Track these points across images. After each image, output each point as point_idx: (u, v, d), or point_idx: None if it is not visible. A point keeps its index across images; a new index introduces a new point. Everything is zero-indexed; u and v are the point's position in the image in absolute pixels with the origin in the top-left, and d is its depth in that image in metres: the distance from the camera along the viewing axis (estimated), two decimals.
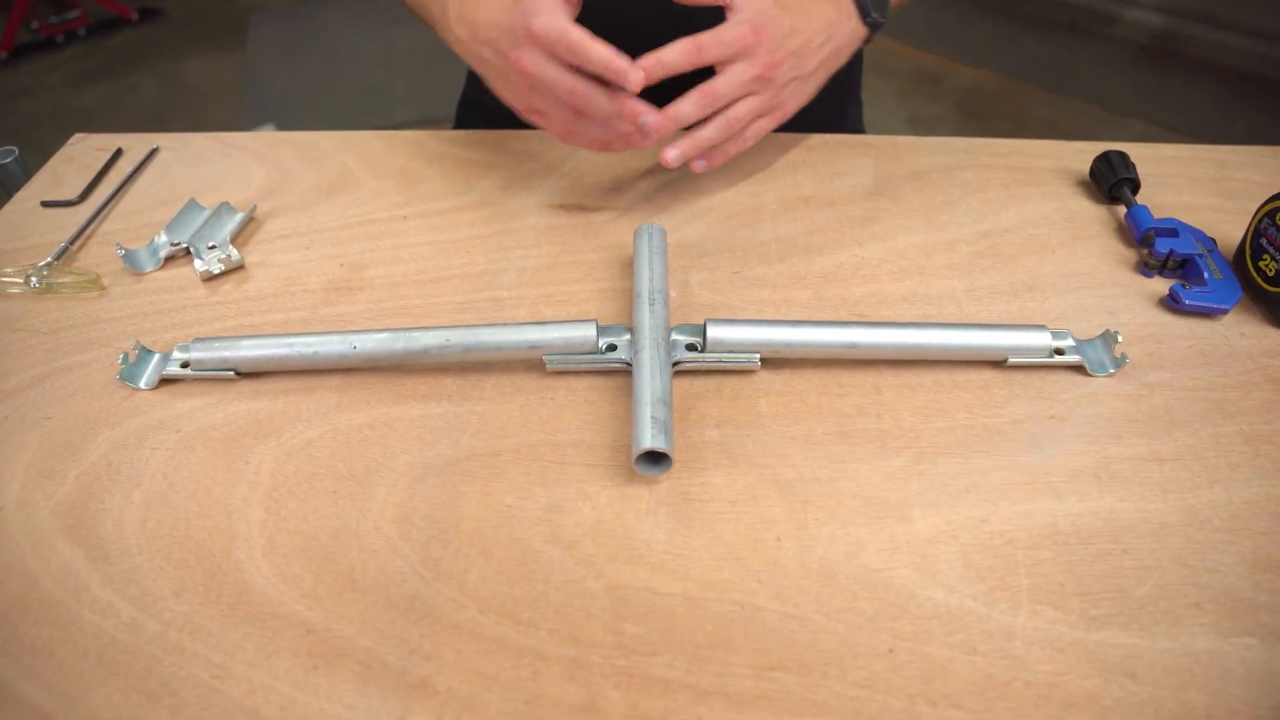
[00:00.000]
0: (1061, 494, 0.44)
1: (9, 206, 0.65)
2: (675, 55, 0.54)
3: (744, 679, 0.37)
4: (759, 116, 0.59)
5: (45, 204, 0.64)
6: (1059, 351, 0.51)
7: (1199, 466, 0.46)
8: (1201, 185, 0.66)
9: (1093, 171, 0.65)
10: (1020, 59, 2.82)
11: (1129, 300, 0.56)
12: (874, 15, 0.62)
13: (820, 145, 0.71)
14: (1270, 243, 0.54)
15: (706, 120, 0.57)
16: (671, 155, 0.57)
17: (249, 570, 0.41)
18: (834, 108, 0.84)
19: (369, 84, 2.72)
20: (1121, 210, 0.63)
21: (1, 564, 0.42)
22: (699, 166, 0.60)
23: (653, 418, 0.43)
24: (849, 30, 0.62)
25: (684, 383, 0.50)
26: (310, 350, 0.49)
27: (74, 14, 2.99)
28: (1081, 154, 0.69)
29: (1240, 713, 0.36)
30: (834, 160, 0.69)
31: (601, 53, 0.53)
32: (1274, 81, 2.62)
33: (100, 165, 0.68)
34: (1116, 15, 2.98)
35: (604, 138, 0.58)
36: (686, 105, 0.56)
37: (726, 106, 0.57)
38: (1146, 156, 0.67)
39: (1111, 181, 0.62)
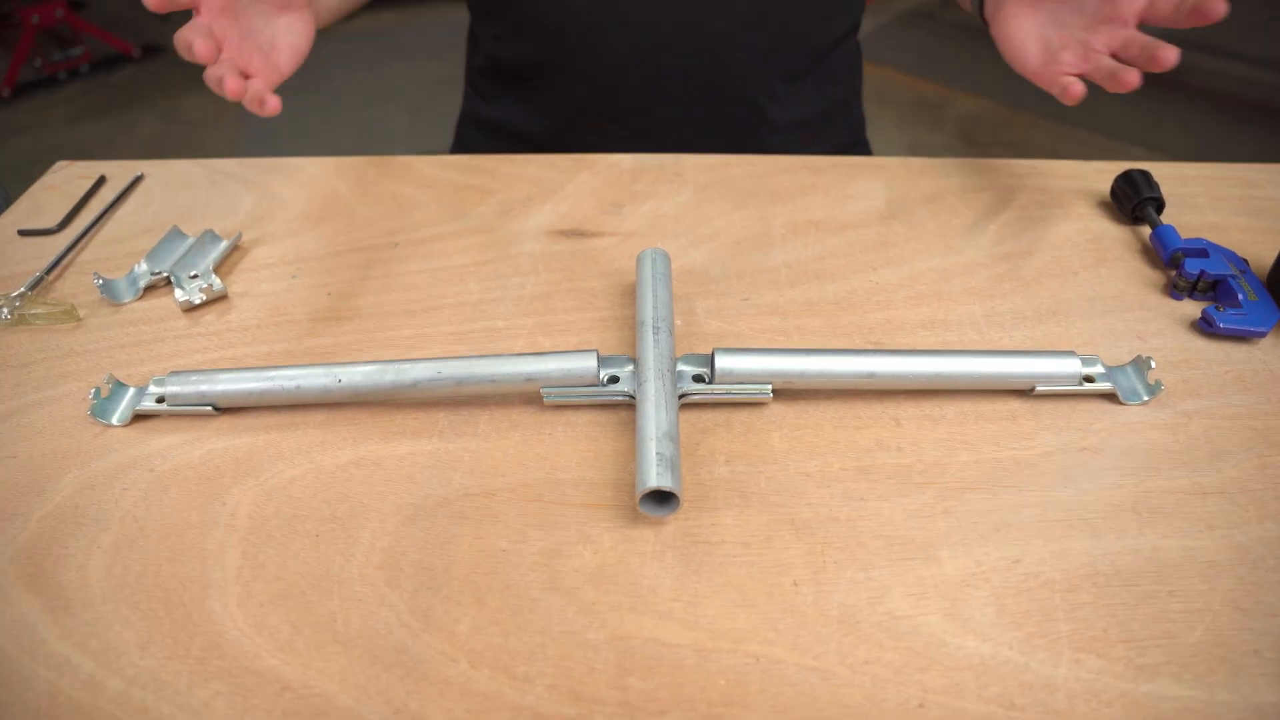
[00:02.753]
0: (1099, 531, 0.41)
1: None
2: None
3: None
4: None
5: (22, 233, 0.61)
6: (1089, 379, 0.48)
7: (1246, 500, 0.43)
8: (1227, 205, 0.63)
9: (1114, 191, 0.62)
10: (1020, 87, 2.79)
11: (1159, 324, 0.53)
12: None
13: (829, 167, 0.68)
14: None
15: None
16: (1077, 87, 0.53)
17: (222, 620, 0.38)
18: (844, 108, 0.82)
19: (367, 118, 2.72)
20: (1146, 231, 0.60)
21: None
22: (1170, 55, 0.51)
23: (658, 454, 0.40)
24: None
25: (691, 416, 0.47)
26: (293, 384, 0.46)
27: (77, 51, 3.00)
28: (1102, 174, 0.66)
29: None
30: (844, 183, 0.66)
31: None
32: (1276, 109, 2.61)
33: (83, 193, 0.66)
34: None
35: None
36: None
37: None
38: (1168, 176, 0.64)
39: (1135, 201, 0.60)
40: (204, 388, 0.46)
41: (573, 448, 0.46)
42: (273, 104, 0.48)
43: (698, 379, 0.47)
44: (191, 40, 0.47)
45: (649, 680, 0.36)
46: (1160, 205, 0.60)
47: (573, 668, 0.36)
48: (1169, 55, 0.48)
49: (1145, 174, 0.61)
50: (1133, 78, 0.49)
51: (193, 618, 0.38)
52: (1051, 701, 0.35)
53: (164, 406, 0.47)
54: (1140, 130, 2.54)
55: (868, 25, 3.21)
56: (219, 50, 0.48)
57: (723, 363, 0.46)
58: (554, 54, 0.73)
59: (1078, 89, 0.51)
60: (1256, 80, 2.72)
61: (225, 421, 0.47)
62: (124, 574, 0.40)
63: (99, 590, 0.39)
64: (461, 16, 0.81)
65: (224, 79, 0.46)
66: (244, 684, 0.36)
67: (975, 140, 2.60)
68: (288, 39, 0.55)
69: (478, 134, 0.83)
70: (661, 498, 0.41)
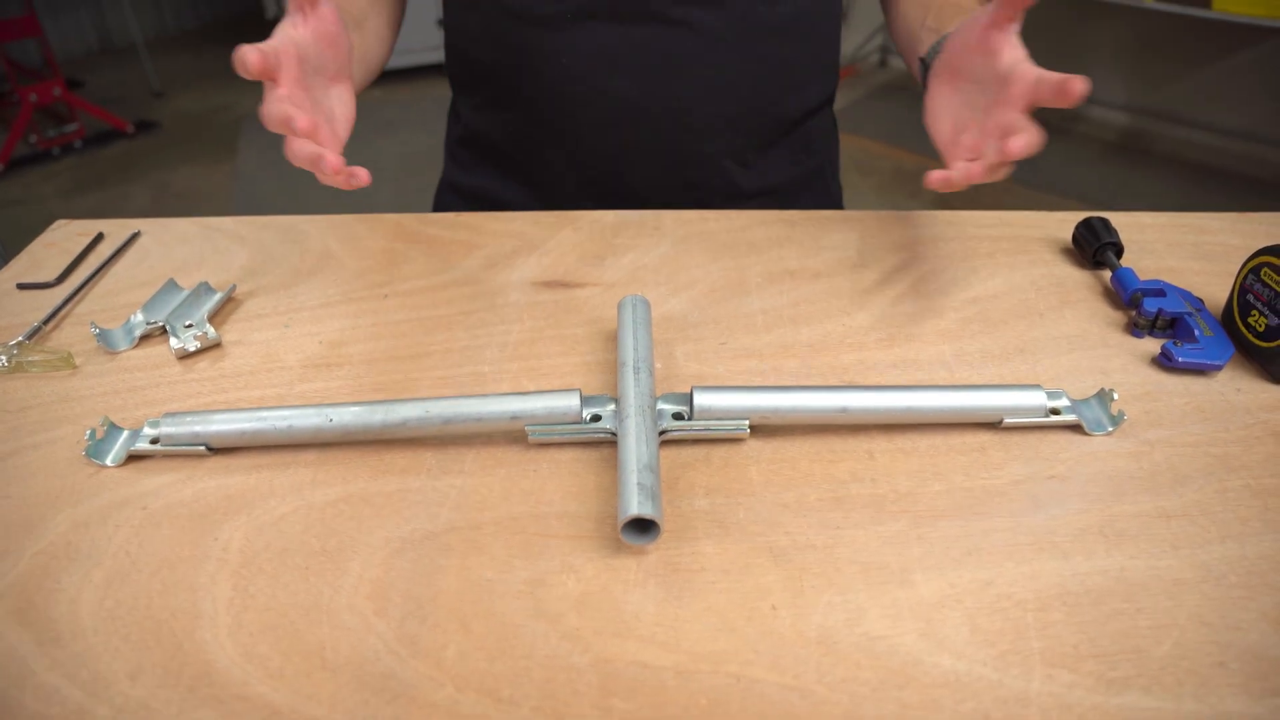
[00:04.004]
0: (1068, 553, 0.42)
1: None
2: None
3: None
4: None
5: (21, 286, 0.63)
6: (1055, 411, 0.50)
7: (1208, 521, 0.44)
8: (1182, 250, 0.66)
9: (1075, 238, 0.65)
10: None
11: (1121, 360, 0.55)
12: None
13: (803, 220, 0.71)
14: (1257, 298, 0.54)
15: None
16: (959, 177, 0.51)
17: (212, 650, 0.38)
18: (819, 176, 0.85)
19: (353, 192, 2.77)
20: (1106, 275, 0.63)
21: None
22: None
23: (639, 484, 0.42)
24: None
25: (671, 453, 0.49)
26: (284, 424, 0.48)
27: (72, 127, 3.07)
28: (1063, 223, 0.69)
29: None
30: (818, 235, 0.69)
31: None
32: (1236, 174, 2.70)
33: (80, 249, 0.68)
34: (1085, 114, 3.09)
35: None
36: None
37: None
38: (1126, 224, 0.68)
39: (1095, 246, 0.63)
40: (197, 428, 0.48)
41: (557, 483, 0.47)
42: (362, 176, 0.50)
43: (677, 416, 0.48)
44: (290, 115, 0.47)
45: (632, 701, 0.36)
46: (1119, 250, 0.63)
47: (557, 690, 0.37)
48: (1013, 145, 0.49)
49: (1104, 221, 0.64)
50: (976, 169, 0.50)
51: (183, 647, 0.39)
52: (1025, 715, 0.36)
53: (158, 447, 0.48)
54: (1110, 195, 2.62)
55: (846, 99, 3.33)
56: (315, 124, 0.49)
57: (701, 400, 0.48)
58: (530, 124, 0.76)
59: (941, 180, 0.51)
60: (1217, 147, 2.82)
61: (218, 461, 0.49)
62: (115, 607, 0.40)
63: (90, 623, 0.40)
64: (443, 93, 0.84)
65: (322, 157, 0.48)
66: (233, 710, 0.36)
67: (952, 206, 2.66)
68: (342, 109, 0.56)
69: (457, 201, 0.86)
70: (643, 526, 0.42)
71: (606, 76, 0.71)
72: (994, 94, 0.52)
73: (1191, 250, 0.66)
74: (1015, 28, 0.53)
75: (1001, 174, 0.51)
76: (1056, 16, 3.00)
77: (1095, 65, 3.04)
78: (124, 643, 0.39)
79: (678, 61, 0.71)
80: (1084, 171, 2.78)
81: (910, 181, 2.80)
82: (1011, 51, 0.52)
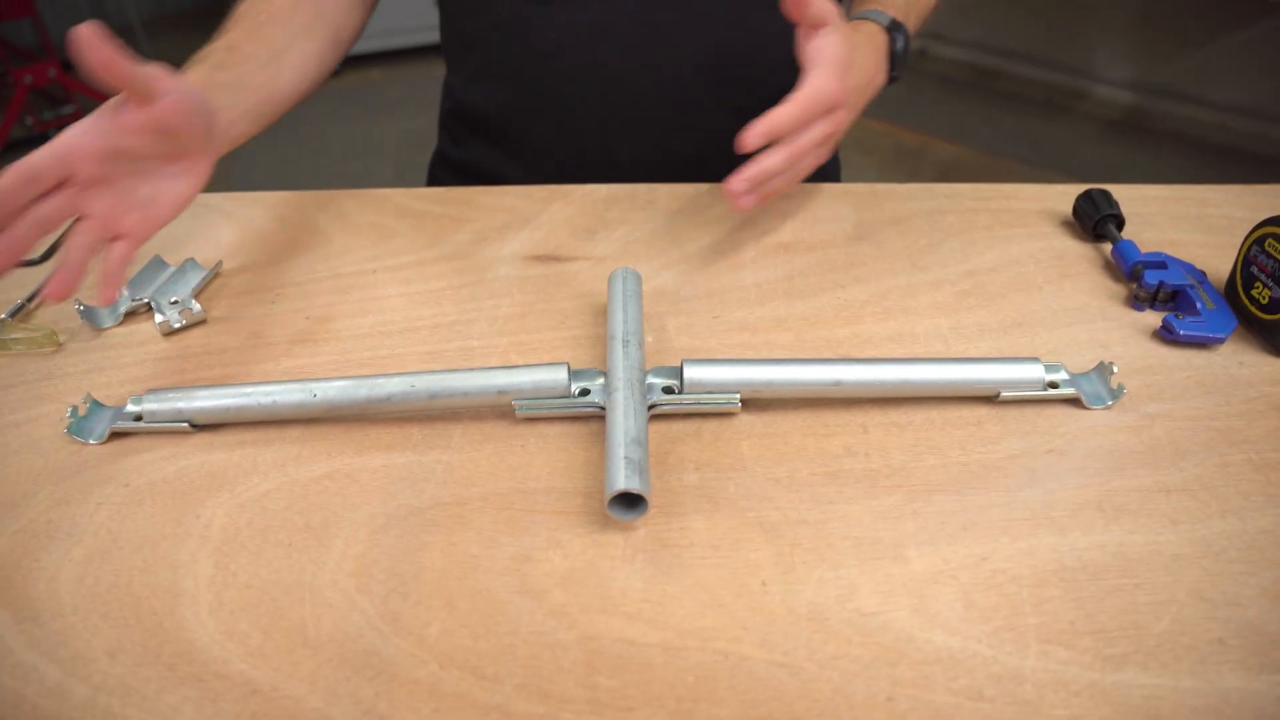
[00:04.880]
0: (1065, 528, 0.42)
1: None
2: (786, 120, 0.53)
3: None
4: (816, 148, 0.58)
5: (24, 262, 0.62)
6: (1053, 385, 0.49)
7: (1208, 496, 0.43)
8: (1184, 222, 0.65)
9: (1076, 210, 0.64)
10: (997, 135, 2.88)
11: (1122, 334, 0.54)
12: (896, 74, 0.66)
13: (800, 193, 0.70)
14: (1261, 270, 0.52)
15: (769, 149, 0.55)
16: (739, 186, 0.54)
17: (193, 628, 0.38)
18: None
19: (353, 170, 2.76)
20: (1107, 247, 0.62)
21: None
22: (747, 203, 0.55)
23: (626, 458, 0.41)
24: (880, 80, 0.65)
25: (661, 427, 0.48)
26: (269, 399, 0.47)
27: (68, 109, 3.05)
28: (1064, 195, 0.68)
29: None
30: (814, 208, 0.68)
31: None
32: (1241, 151, 2.67)
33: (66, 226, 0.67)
34: (1088, 92, 3.06)
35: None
36: (775, 159, 0.55)
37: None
38: (1129, 197, 0.66)
39: (1096, 219, 0.61)
40: (181, 405, 0.47)
41: (544, 458, 0.46)
42: (107, 297, 0.48)
43: (667, 390, 0.48)
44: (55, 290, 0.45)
45: (617, 678, 0.36)
46: (1120, 222, 0.62)
47: (541, 667, 0.36)
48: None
49: (1105, 193, 0.63)
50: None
51: (164, 625, 0.38)
52: (1020, 692, 0.35)
53: (141, 424, 0.47)
54: (1112, 173, 2.60)
55: None
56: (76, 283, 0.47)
57: (691, 373, 0.47)
58: (520, 96, 0.75)
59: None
60: (1222, 124, 2.79)
61: (202, 438, 0.48)
62: (95, 585, 0.40)
63: (69, 601, 0.39)
64: (442, 71, 0.83)
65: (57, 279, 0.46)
66: (213, 688, 0.36)
67: (951, 180, 2.65)
68: (173, 189, 0.52)
69: (449, 175, 0.85)
70: (630, 501, 0.41)
71: (596, 48, 0.70)
72: None
73: (1194, 223, 0.65)
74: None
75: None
76: None
77: (1098, 42, 3.00)
78: (103, 620, 0.38)
79: (667, 33, 0.69)
80: (1086, 149, 2.76)
81: (911, 159, 2.78)
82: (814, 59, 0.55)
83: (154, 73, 0.47)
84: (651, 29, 0.69)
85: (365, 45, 3.48)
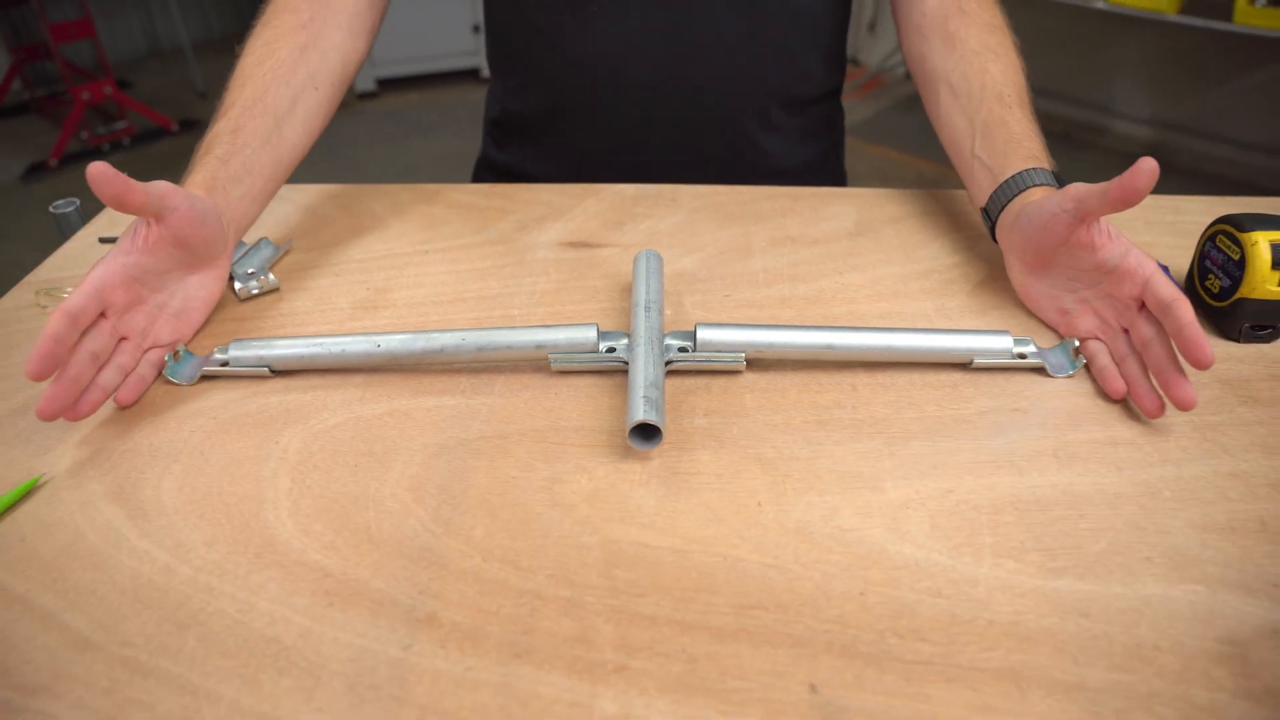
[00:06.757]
0: (1023, 470, 0.48)
1: (71, 241, 0.72)
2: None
3: (725, 616, 0.40)
4: None
5: (102, 240, 0.70)
6: (1022, 356, 0.55)
7: (1151, 449, 0.49)
8: (1159, 227, 0.72)
9: None
10: None
11: None
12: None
13: (808, 195, 0.77)
14: (1213, 263, 0.59)
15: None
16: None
17: (275, 527, 0.45)
18: (824, 160, 0.91)
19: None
20: None
21: (52, 521, 0.46)
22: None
23: (645, 397, 0.48)
24: None
25: (676, 381, 0.55)
26: (338, 349, 0.54)
27: (120, 125, 3.19)
28: None
29: (1186, 645, 0.39)
30: (820, 208, 0.75)
31: None
32: (1259, 187, 2.72)
33: None
34: (1108, 127, 3.12)
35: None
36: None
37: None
38: None
39: None
40: (262, 352, 0.55)
41: (575, 404, 0.53)
42: (127, 399, 0.53)
43: (682, 350, 0.55)
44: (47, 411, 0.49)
45: (632, 572, 0.42)
46: None
47: (568, 562, 0.43)
48: (1184, 394, 0.50)
49: None
50: (1154, 406, 0.51)
51: (250, 525, 0.45)
52: (973, 593, 0.41)
53: (227, 369, 0.55)
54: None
55: (871, 109, 3.38)
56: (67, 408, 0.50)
57: (703, 335, 0.54)
58: (559, 104, 0.83)
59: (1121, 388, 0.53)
60: (1238, 160, 2.84)
61: (279, 382, 0.55)
62: (192, 493, 0.47)
63: (171, 504, 0.47)
64: (477, 98, 0.91)
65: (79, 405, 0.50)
66: (292, 572, 0.43)
67: (944, 188, 2.71)
68: (199, 295, 0.58)
69: (491, 175, 0.93)
70: (647, 433, 0.48)
71: (626, 60, 0.78)
72: (1098, 282, 0.56)
73: (1168, 228, 0.72)
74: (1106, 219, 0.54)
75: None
76: (1082, 30, 3.04)
77: (1120, 79, 3.07)
78: (200, 519, 0.46)
79: (691, 48, 0.77)
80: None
81: (930, 189, 2.84)
82: (1111, 245, 0.54)
83: (163, 190, 0.52)
84: (677, 44, 0.77)
85: (403, 69, 3.62)
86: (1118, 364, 0.54)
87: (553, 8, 0.78)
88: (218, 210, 0.57)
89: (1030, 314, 0.61)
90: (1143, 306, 0.53)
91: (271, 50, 0.66)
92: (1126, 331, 0.55)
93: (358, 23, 0.72)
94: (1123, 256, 0.54)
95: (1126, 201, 0.51)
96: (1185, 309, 0.49)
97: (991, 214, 0.63)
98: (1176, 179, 2.82)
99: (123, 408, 0.53)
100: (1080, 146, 3.07)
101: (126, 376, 0.53)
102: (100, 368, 0.52)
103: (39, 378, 0.47)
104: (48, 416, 0.49)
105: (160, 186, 0.53)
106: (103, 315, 0.52)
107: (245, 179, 0.61)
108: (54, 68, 3.40)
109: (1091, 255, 0.55)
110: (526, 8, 0.79)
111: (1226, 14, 2.24)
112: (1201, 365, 0.48)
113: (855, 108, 3.39)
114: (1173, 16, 2.35)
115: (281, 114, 0.65)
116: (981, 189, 0.64)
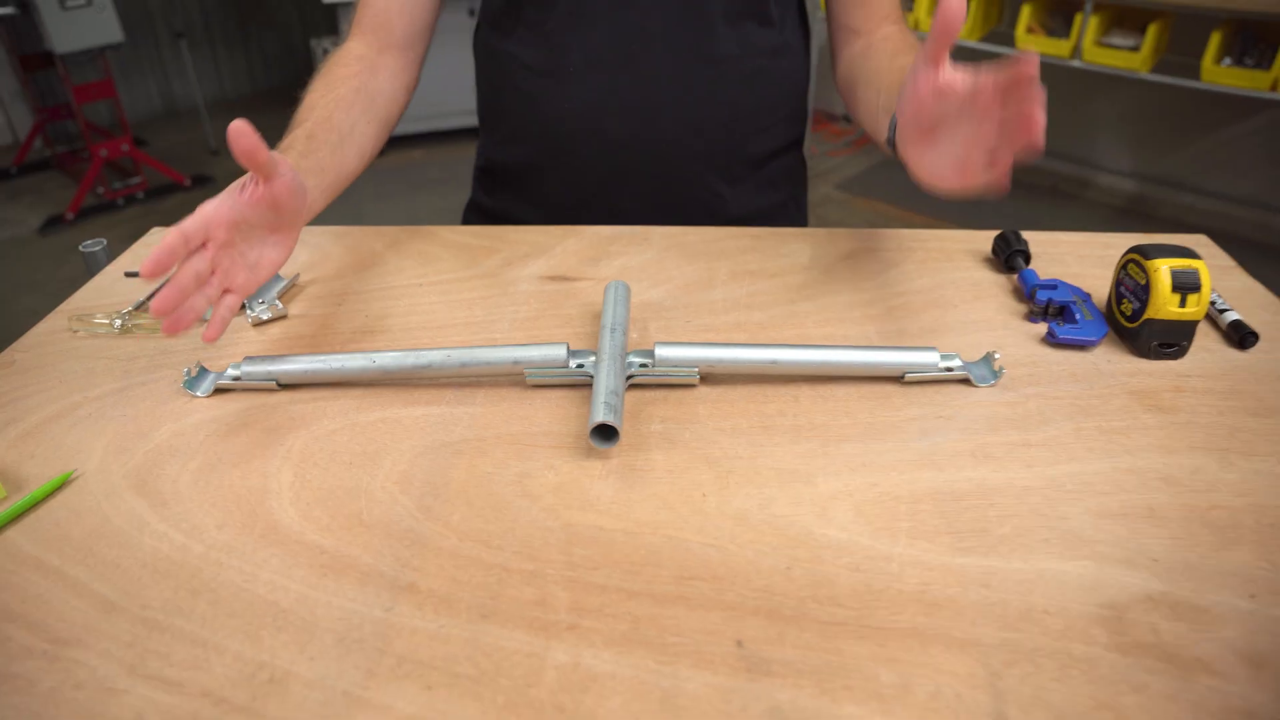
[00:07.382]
0: (943, 468, 0.54)
1: (99, 276, 0.79)
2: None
3: (666, 585, 0.46)
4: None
5: (128, 274, 0.78)
6: (949, 369, 0.61)
7: (1060, 449, 0.56)
8: (1088, 260, 0.79)
9: (994, 248, 0.78)
10: (1004, 219, 3.02)
11: (1016, 340, 0.67)
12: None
13: (768, 235, 0.84)
14: (1127, 289, 0.66)
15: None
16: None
17: (278, 512, 0.51)
18: (784, 209, 0.98)
19: None
20: (1017, 277, 0.75)
21: (83, 509, 0.52)
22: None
23: (606, 402, 0.54)
24: None
25: (636, 393, 0.61)
26: (338, 365, 0.61)
27: (135, 180, 3.31)
28: (987, 239, 0.82)
29: (1071, 609, 0.45)
30: (779, 246, 0.82)
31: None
32: (1239, 238, 2.80)
33: None
34: (1092, 180, 3.22)
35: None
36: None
37: None
38: (1043, 240, 0.80)
39: (1007, 253, 0.75)
40: (270, 368, 0.61)
41: (546, 413, 0.60)
42: (212, 335, 0.59)
43: (643, 365, 0.61)
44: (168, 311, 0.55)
45: (588, 550, 0.48)
46: (1028, 256, 0.75)
47: (533, 542, 0.49)
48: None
49: (1016, 233, 0.77)
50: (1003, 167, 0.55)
51: (256, 511, 0.52)
52: (887, 568, 0.47)
53: (239, 383, 0.62)
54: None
55: (861, 166, 3.49)
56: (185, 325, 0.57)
57: (661, 352, 0.60)
58: (539, 157, 0.91)
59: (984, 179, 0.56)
60: (1219, 212, 2.93)
61: (285, 394, 0.62)
62: (205, 485, 0.54)
63: (187, 494, 0.53)
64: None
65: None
66: (293, 550, 0.49)
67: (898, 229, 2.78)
68: (271, 255, 0.63)
69: (479, 218, 1.01)
70: (606, 433, 0.54)
71: (599, 118, 0.86)
72: (971, 118, 0.56)
73: (1096, 261, 0.79)
74: (948, 60, 0.56)
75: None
76: (1062, 86, 3.16)
77: (1102, 134, 3.18)
78: (213, 507, 0.52)
79: (657, 108, 0.85)
80: (1091, 226, 2.89)
81: None
82: (961, 78, 0.55)
83: (278, 157, 0.61)
84: (644, 104, 0.85)
85: (409, 127, 3.75)
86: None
87: (534, 72, 0.86)
88: (305, 188, 0.65)
89: (966, 337, 0.67)
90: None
91: (331, 87, 0.78)
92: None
93: (397, 80, 0.87)
94: (975, 74, 0.54)
95: (947, 30, 0.53)
96: (1027, 58, 0.50)
97: (893, 137, 0.65)
98: (1159, 230, 2.90)
99: (208, 342, 0.59)
100: (1066, 199, 3.16)
101: (210, 307, 0.60)
102: (199, 286, 0.58)
103: (151, 276, 0.53)
104: (159, 313, 0.55)
105: (276, 154, 0.60)
106: (204, 245, 0.59)
107: (319, 175, 0.70)
108: (74, 126, 3.53)
109: (954, 92, 0.56)
110: (512, 72, 0.88)
111: (1195, 73, 2.34)
112: (1027, 70, 0.49)
113: (846, 164, 3.50)
114: (1146, 75, 2.45)
115: (344, 133, 0.76)
116: (883, 126, 0.69)
